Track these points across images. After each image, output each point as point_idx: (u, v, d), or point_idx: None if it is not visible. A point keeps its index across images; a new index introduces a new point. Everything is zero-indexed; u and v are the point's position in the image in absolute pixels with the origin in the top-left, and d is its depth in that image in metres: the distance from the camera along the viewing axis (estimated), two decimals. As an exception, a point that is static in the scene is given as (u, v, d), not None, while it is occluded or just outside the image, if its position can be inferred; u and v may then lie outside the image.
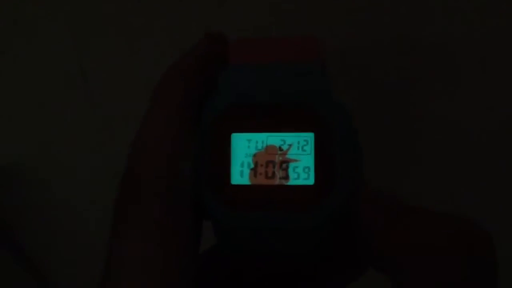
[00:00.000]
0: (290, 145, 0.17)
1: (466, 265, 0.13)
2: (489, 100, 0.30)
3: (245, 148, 0.17)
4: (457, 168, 0.32)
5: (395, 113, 0.32)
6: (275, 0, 0.31)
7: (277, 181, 0.17)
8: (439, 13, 0.29)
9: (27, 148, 0.38)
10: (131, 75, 0.34)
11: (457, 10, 0.29)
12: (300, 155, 0.17)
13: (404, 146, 0.33)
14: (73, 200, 0.38)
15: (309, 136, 0.17)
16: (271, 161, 0.17)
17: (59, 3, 0.34)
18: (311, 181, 0.17)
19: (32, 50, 0.35)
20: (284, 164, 0.17)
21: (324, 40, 0.18)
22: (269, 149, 0.17)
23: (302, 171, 0.17)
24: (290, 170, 0.17)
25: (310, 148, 0.17)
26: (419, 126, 0.32)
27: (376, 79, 0.31)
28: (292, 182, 0.17)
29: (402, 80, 0.31)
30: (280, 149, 0.17)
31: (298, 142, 0.17)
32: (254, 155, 0.17)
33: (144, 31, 0.33)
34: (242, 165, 0.17)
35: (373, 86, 0.31)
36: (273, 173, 0.17)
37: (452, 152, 0.32)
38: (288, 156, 0.17)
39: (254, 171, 0.17)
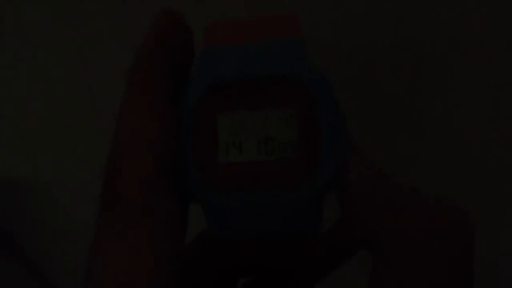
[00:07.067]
0: (273, 121, 0.17)
1: (449, 257, 0.14)
2: (489, 98, 0.30)
3: (229, 127, 0.17)
4: (457, 166, 0.32)
5: (394, 111, 0.32)
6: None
7: (263, 157, 0.17)
8: (439, 12, 0.29)
9: (30, 160, 0.38)
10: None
11: (456, 9, 0.29)
12: (284, 129, 0.17)
13: (402, 144, 0.33)
14: (74, 207, 0.38)
15: (292, 110, 0.17)
16: (256, 138, 0.17)
17: (63, 9, 0.34)
18: (297, 155, 0.17)
19: (33, 57, 0.35)
20: (269, 140, 0.17)
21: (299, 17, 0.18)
22: (253, 126, 0.17)
23: (287, 145, 0.17)
24: (276, 145, 0.17)
25: (293, 122, 0.17)
26: (419, 124, 0.32)
27: (375, 77, 0.31)
28: (278, 157, 0.17)
29: (402, 78, 0.31)
30: (264, 125, 0.17)
31: (282, 117, 0.17)
32: (239, 133, 0.17)
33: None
34: (227, 143, 0.17)
35: (372, 84, 0.31)
36: (259, 149, 0.17)
37: (451, 151, 0.32)
38: (273, 132, 0.17)
39: (239, 149, 0.17)
